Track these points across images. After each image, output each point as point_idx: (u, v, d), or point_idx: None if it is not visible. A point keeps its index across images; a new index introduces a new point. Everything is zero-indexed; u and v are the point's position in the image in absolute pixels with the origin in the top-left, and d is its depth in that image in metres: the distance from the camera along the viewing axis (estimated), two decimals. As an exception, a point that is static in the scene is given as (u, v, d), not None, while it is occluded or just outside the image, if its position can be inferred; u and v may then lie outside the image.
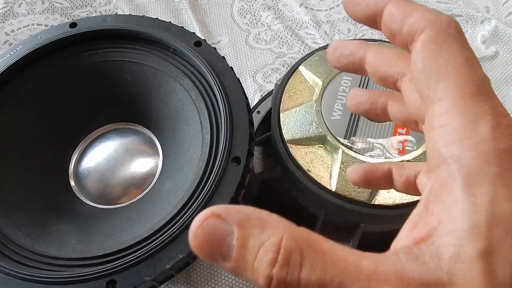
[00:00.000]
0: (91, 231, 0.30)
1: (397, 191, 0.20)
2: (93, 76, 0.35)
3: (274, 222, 0.11)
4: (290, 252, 0.11)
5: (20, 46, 0.34)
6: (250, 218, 0.11)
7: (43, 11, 0.57)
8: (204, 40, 0.34)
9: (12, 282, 0.25)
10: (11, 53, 0.34)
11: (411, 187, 0.19)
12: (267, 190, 0.36)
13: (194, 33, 0.35)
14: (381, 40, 0.35)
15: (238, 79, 0.32)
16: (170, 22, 0.36)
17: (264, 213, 0.11)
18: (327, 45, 0.36)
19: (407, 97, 0.15)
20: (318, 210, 0.31)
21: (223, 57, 0.33)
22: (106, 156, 0.36)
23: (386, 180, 0.20)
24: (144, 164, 0.36)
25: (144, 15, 0.36)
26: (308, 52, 0.53)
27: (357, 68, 0.17)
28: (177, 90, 0.34)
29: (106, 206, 0.34)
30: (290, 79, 0.33)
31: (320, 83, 0.32)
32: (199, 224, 0.11)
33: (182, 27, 0.35)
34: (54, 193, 0.33)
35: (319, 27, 0.55)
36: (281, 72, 0.52)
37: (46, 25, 0.56)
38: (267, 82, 0.51)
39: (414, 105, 0.15)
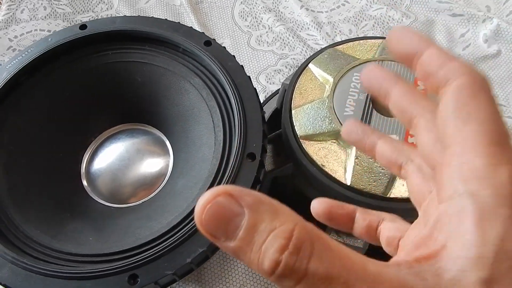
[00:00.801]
0: (107, 229, 0.31)
1: (355, 234, 0.21)
2: (103, 78, 0.37)
3: (286, 212, 0.12)
4: (301, 242, 0.11)
5: (31, 49, 0.36)
6: (263, 203, 0.12)
7: (45, 17, 0.59)
8: (214, 39, 0.36)
9: (34, 278, 0.25)
10: (22, 56, 0.35)
11: (371, 233, 0.20)
12: (277, 187, 0.38)
13: (203, 33, 0.36)
14: (383, 37, 0.37)
15: (249, 77, 0.34)
16: (179, 22, 0.37)
17: (276, 202, 0.12)
18: (335, 43, 0.37)
19: (421, 135, 0.17)
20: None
21: (233, 56, 0.35)
22: (117, 157, 0.37)
23: (347, 220, 0.21)
24: (154, 164, 0.37)
25: (152, 16, 0.38)
26: (310, 53, 0.55)
27: (380, 94, 0.19)
28: (187, 89, 0.35)
29: (119, 205, 0.35)
30: (300, 77, 0.35)
31: (331, 80, 0.34)
32: (210, 199, 0.11)
33: (191, 27, 0.37)
34: (67, 193, 0.34)
35: (321, 28, 0.56)
36: (284, 73, 0.53)
37: (49, 31, 0.57)
38: (270, 83, 0.53)
39: (427, 143, 0.16)
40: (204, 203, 0.11)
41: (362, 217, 0.20)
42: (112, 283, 0.25)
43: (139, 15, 0.38)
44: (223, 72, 0.33)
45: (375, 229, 0.20)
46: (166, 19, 0.37)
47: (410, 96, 0.18)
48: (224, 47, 0.35)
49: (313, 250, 0.11)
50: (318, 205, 0.21)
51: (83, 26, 0.37)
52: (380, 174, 0.29)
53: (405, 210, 0.30)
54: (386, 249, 0.19)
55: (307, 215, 0.39)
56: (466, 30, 0.55)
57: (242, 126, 0.30)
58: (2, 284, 0.26)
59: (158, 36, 0.36)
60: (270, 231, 0.11)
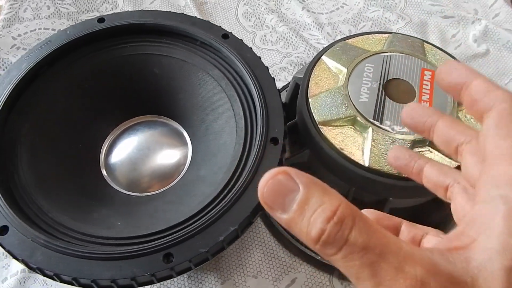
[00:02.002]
0: (135, 215, 0.31)
1: None
2: (121, 70, 0.37)
3: (333, 192, 0.13)
4: (344, 216, 0.13)
5: (49, 41, 0.36)
6: (315, 183, 0.13)
7: (49, 16, 0.59)
8: (231, 33, 0.37)
9: (69, 260, 0.25)
10: (40, 48, 0.35)
11: (415, 245, 0.21)
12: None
13: (220, 26, 0.37)
14: (390, 32, 0.39)
15: (267, 67, 0.35)
16: (195, 16, 0.38)
17: (325, 184, 0.14)
18: (345, 37, 0.39)
19: (466, 159, 0.19)
20: (349, 188, 0.33)
21: (251, 48, 0.36)
22: (135, 147, 0.37)
23: (393, 231, 0.22)
24: (172, 154, 0.37)
25: (170, 11, 0.38)
26: (313, 51, 0.56)
27: (424, 130, 0.21)
28: (205, 80, 0.36)
29: (140, 193, 0.35)
30: (315, 68, 0.36)
31: (345, 70, 0.35)
32: (271, 176, 0.13)
33: (208, 21, 0.38)
34: (90, 183, 0.34)
35: (322, 28, 0.58)
36: (289, 71, 0.55)
37: (53, 29, 0.57)
38: (276, 80, 0.53)
39: (470, 165, 0.18)
40: (266, 179, 0.13)
41: (408, 230, 0.21)
42: (148, 262, 0.25)
43: (156, 9, 0.38)
44: (242, 62, 0.34)
45: (418, 242, 0.21)
46: (183, 13, 0.38)
47: (455, 126, 0.20)
48: (241, 40, 0.36)
49: (354, 224, 0.13)
50: (366, 215, 0.22)
51: (101, 20, 0.37)
52: (397, 156, 0.31)
53: (418, 188, 0.31)
54: (455, 218, 0.20)
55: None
56: (457, 31, 0.58)
57: (264, 112, 0.31)
58: (36, 268, 0.26)
59: (176, 29, 0.37)
60: (319, 205, 0.13)
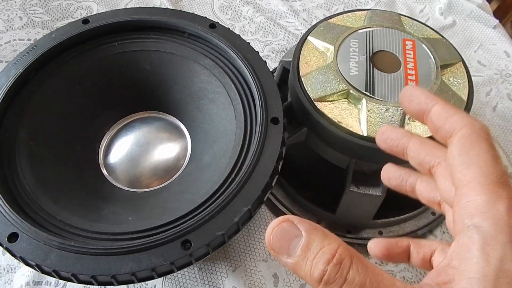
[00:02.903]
0: (144, 209, 0.30)
1: (415, 265, 0.22)
2: (111, 69, 0.35)
3: (333, 236, 0.15)
4: (343, 257, 0.14)
5: (35, 46, 0.34)
6: (316, 228, 0.15)
7: (22, 26, 0.56)
8: (217, 22, 0.36)
9: (86, 259, 0.24)
10: (27, 53, 0.33)
11: (427, 264, 0.21)
12: (290, 156, 0.38)
13: (205, 17, 0.36)
14: (368, 9, 0.39)
15: (258, 51, 0.34)
16: (180, 10, 0.37)
17: (325, 229, 0.15)
18: (327, 17, 0.39)
19: (439, 181, 0.19)
20: (348, 160, 0.33)
21: (239, 34, 0.35)
22: (133, 145, 0.36)
23: (404, 255, 0.22)
24: (171, 148, 0.36)
25: (153, 6, 0.37)
26: (293, 38, 0.56)
27: (399, 152, 0.21)
28: (198, 71, 0.35)
29: (145, 189, 0.34)
30: (302, 49, 0.36)
31: (331, 48, 0.35)
32: (276, 225, 0.15)
33: (193, 13, 0.37)
34: (92, 184, 0.32)
35: (297, 15, 0.58)
36: (271, 58, 0.54)
37: (29, 39, 0.54)
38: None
39: (444, 188, 0.18)
40: (272, 227, 0.15)
41: (416, 251, 0.22)
42: (167, 251, 0.24)
43: (140, 6, 0.37)
44: (233, 49, 0.33)
45: (428, 260, 0.21)
46: (167, 8, 0.37)
47: (424, 148, 0.20)
48: (228, 28, 0.36)
49: (352, 264, 0.14)
50: (375, 246, 0.22)
51: (85, 21, 0.35)
52: (391, 122, 0.31)
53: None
54: (450, 229, 0.20)
55: (322, 174, 0.40)
56: (424, 6, 0.59)
57: (261, 94, 0.31)
58: (52, 271, 0.24)
59: (163, 23, 0.35)
60: (320, 249, 0.14)
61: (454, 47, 0.36)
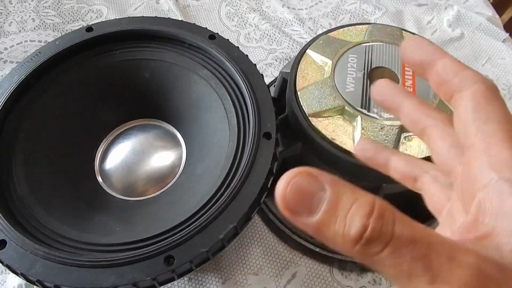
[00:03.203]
0: (133, 219, 0.30)
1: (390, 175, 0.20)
2: (111, 76, 0.35)
3: (362, 190, 0.12)
4: (384, 209, 0.11)
5: (39, 53, 0.34)
6: (341, 181, 0.12)
7: (34, 28, 0.56)
8: (217, 33, 0.35)
9: (70, 270, 0.24)
10: (31, 60, 0.33)
11: (408, 181, 0.20)
12: (285, 169, 0.37)
13: (206, 28, 0.36)
14: (369, 23, 0.38)
15: (255, 64, 0.33)
16: (182, 20, 0.36)
17: (350, 183, 0.12)
18: (327, 30, 0.38)
19: (436, 143, 0.17)
20: (342, 177, 0.32)
21: (237, 46, 0.34)
22: (129, 152, 0.36)
23: (383, 162, 0.20)
24: (167, 156, 0.36)
25: (156, 16, 0.37)
26: (297, 46, 0.55)
27: (392, 107, 0.19)
28: (195, 81, 0.35)
29: (137, 198, 0.33)
30: (300, 62, 0.35)
31: (329, 62, 0.34)
32: (291, 178, 0.11)
33: (194, 24, 0.36)
34: (86, 191, 0.32)
35: (303, 24, 0.57)
36: (275, 66, 0.53)
37: (39, 41, 0.55)
38: (264, 76, 0.52)
39: (442, 150, 0.17)
40: (286, 181, 0.11)
41: (404, 163, 0.20)
42: (149, 266, 0.24)
43: (143, 16, 0.37)
44: (230, 61, 0.33)
45: (413, 179, 0.19)
46: (169, 17, 0.36)
47: (421, 108, 0.18)
48: (228, 40, 0.35)
49: (396, 216, 0.11)
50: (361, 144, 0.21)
51: (89, 29, 0.35)
52: (385, 141, 0.30)
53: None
54: (431, 208, 0.19)
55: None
56: (432, 18, 0.57)
57: (255, 108, 0.30)
58: (36, 280, 0.24)
59: (164, 33, 0.35)
60: (353, 202, 0.11)
61: (456, 65, 0.35)
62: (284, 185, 0.11)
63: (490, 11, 0.57)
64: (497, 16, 0.58)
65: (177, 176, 0.34)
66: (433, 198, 0.18)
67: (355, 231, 0.11)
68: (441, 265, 0.11)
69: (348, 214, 0.11)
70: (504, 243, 0.12)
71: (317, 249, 0.36)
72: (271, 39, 0.55)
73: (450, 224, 0.17)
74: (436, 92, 0.16)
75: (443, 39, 0.55)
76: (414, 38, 0.16)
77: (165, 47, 0.35)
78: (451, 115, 0.16)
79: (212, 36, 0.35)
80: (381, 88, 0.19)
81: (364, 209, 0.11)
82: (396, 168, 0.20)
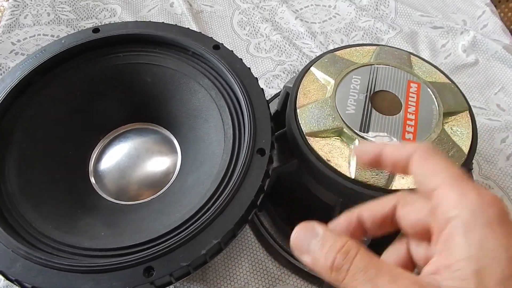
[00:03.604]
0: (120, 224, 0.30)
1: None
2: (113, 78, 0.36)
3: (344, 235, 0.17)
4: (349, 248, 0.16)
5: (44, 50, 0.34)
6: (330, 229, 0.17)
7: (49, 22, 0.57)
8: (222, 44, 0.35)
9: (49, 272, 0.24)
10: (36, 56, 0.34)
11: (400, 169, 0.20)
12: (281, 184, 0.37)
13: (211, 37, 0.36)
14: (377, 44, 0.37)
15: (256, 78, 0.33)
16: (188, 28, 0.37)
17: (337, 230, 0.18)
18: (333, 49, 0.37)
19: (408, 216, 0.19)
20: (335, 199, 0.32)
21: (241, 59, 0.34)
22: (125, 155, 0.36)
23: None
24: (162, 162, 0.36)
25: (163, 22, 0.37)
26: (306, 59, 0.55)
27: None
28: (196, 90, 0.35)
29: (128, 202, 0.33)
30: (303, 79, 0.35)
31: (332, 81, 0.33)
32: (299, 229, 0.17)
33: (200, 32, 0.36)
34: (77, 191, 0.32)
35: (314, 37, 0.57)
36: (282, 78, 0.53)
37: (52, 36, 0.56)
38: (269, 88, 0.52)
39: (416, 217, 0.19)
40: (296, 230, 0.18)
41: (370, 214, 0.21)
42: (128, 276, 0.24)
43: (150, 20, 0.37)
44: (232, 73, 0.33)
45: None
46: (176, 24, 0.37)
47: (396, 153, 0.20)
48: (232, 51, 0.35)
49: (357, 253, 0.16)
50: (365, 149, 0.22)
51: (96, 30, 0.36)
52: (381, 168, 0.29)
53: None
54: (410, 232, 0.19)
55: (312, 208, 0.39)
56: (447, 41, 0.56)
57: (251, 123, 0.30)
58: (14, 280, 0.24)
59: (169, 40, 0.35)
60: (332, 243, 0.16)
61: (463, 94, 0.34)
62: (294, 233, 0.17)
63: (508, 39, 0.56)
64: (514, 44, 0.56)
65: (170, 183, 0.34)
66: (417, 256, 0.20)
67: (328, 263, 0.16)
68: (384, 285, 0.15)
69: (327, 252, 0.16)
70: (455, 271, 0.15)
71: (307, 269, 0.35)
72: (281, 50, 0.55)
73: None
74: (394, 173, 0.19)
75: (456, 64, 0.54)
76: (360, 144, 0.22)
77: (169, 53, 0.35)
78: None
79: (217, 46, 0.35)
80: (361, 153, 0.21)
81: (336, 247, 0.16)
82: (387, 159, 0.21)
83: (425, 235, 0.18)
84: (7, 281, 0.35)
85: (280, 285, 0.36)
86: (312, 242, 0.17)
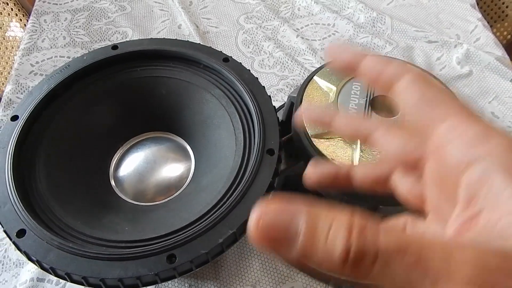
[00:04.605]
0: (141, 221, 0.32)
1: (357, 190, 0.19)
2: (131, 91, 0.39)
3: (335, 207, 0.11)
4: (364, 224, 0.10)
5: (68, 65, 0.38)
6: (311, 201, 0.11)
7: (64, 45, 0.62)
8: (231, 57, 0.39)
9: (80, 260, 0.27)
10: (60, 71, 0.38)
11: (380, 186, 0.18)
12: (289, 187, 0.40)
13: (221, 51, 0.40)
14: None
15: (264, 86, 0.37)
16: (199, 43, 0.41)
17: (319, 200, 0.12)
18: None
19: (388, 143, 0.17)
20: (340, 197, 0.35)
21: (248, 69, 0.38)
22: (143, 161, 0.39)
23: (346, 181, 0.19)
24: (177, 168, 0.39)
25: (176, 38, 0.41)
26: (308, 74, 0.59)
27: (326, 124, 0.20)
28: (208, 99, 0.38)
29: (146, 203, 0.36)
30: (307, 87, 0.38)
31: (334, 88, 0.37)
32: (262, 213, 0.11)
33: (210, 47, 0.40)
34: (100, 193, 0.36)
35: (315, 53, 0.61)
36: (285, 92, 0.57)
37: (68, 57, 0.60)
38: (274, 100, 0.55)
39: (398, 146, 0.17)
40: (256, 217, 0.11)
41: (363, 172, 0.19)
42: (153, 262, 0.27)
43: (164, 37, 0.41)
44: (241, 82, 0.36)
45: (383, 182, 0.18)
46: (188, 40, 0.41)
47: (357, 119, 0.19)
48: (240, 63, 0.39)
49: (378, 228, 0.10)
50: (312, 170, 0.20)
51: (115, 47, 0.40)
52: (383, 165, 0.32)
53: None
54: (410, 205, 0.17)
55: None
56: (441, 54, 0.60)
57: (261, 126, 0.33)
58: (49, 267, 0.27)
59: (182, 54, 0.39)
60: (331, 222, 0.11)
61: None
62: (256, 220, 0.11)
63: (500, 51, 0.60)
64: (506, 56, 0.61)
65: (185, 185, 0.37)
66: (409, 194, 0.17)
67: (339, 255, 0.10)
68: (438, 267, 0.10)
69: (328, 237, 0.10)
70: (506, 226, 0.11)
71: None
72: (284, 66, 0.60)
73: (438, 217, 0.15)
74: (371, 86, 0.17)
75: (451, 75, 0.58)
76: (336, 43, 0.17)
77: (182, 66, 0.39)
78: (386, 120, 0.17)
79: (226, 59, 0.39)
80: (308, 111, 0.20)
81: (343, 229, 0.10)
82: (340, 127, 0.19)
83: (413, 167, 0.16)
84: (35, 273, 0.38)
85: (289, 282, 0.39)
86: (292, 227, 0.11)
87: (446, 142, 0.13)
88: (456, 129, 0.13)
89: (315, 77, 0.39)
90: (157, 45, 0.40)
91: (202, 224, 0.28)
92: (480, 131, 0.13)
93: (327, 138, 0.34)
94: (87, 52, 0.62)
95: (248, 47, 0.63)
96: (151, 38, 0.41)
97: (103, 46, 0.63)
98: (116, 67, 0.39)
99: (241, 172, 0.32)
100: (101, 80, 0.39)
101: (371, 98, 0.36)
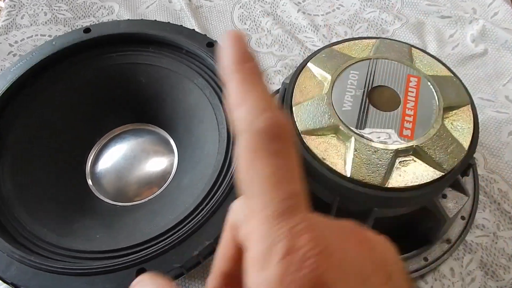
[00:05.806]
0: (116, 226, 0.31)
1: None
2: (107, 79, 0.36)
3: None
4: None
5: (35, 52, 0.35)
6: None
7: (46, 22, 0.58)
8: (216, 41, 0.36)
9: (43, 276, 0.25)
10: (27, 59, 0.35)
11: None
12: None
13: (205, 35, 0.36)
14: (378, 37, 0.37)
15: (251, 76, 0.34)
16: (181, 25, 0.37)
17: None
18: (331, 43, 0.37)
19: None
20: (333, 197, 0.32)
21: (235, 56, 0.35)
22: (122, 156, 0.37)
23: None
24: (159, 163, 0.37)
25: (156, 20, 0.38)
26: (308, 54, 0.55)
27: None
28: (191, 89, 0.35)
29: (125, 203, 0.34)
30: (300, 75, 0.35)
31: (329, 77, 0.34)
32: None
33: (194, 30, 0.37)
34: (74, 192, 0.33)
35: (317, 30, 0.57)
36: (283, 74, 0.53)
37: (50, 36, 0.57)
38: (270, 84, 0.52)
39: None
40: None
41: None
42: (121, 278, 0.25)
43: (142, 19, 0.38)
44: (225, 71, 0.33)
45: None
46: (169, 22, 0.37)
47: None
48: (226, 47, 0.35)
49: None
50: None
51: (87, 30, 0.36)
52: (378, 165, 0.29)
53: (402, 199, 0.30)
54: None
55: (311, 207, 0.39)
56: (454, 31, 0.55)
57: (245, 123, 0.30)
58: (10, 283, 0.25)
59: (162, 39, 0.36)
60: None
61: (465, 88, 0.34)
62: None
63: (520, 27, 0.55)
64: (527, 32, 0.55)
65: (167, 183, 0.35)
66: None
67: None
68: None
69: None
70: None
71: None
72: (283, 45, 0.56)
73: None
74: None
75: (464, 55, 0.53)
76: (234, 34, 0.13)
77: (163, 52, 0.36)
78: None
79: (210, 44, 0.35)
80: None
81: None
82: None
83: None
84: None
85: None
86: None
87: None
88: (249, 240, 0.11)
89: (308, 64, 0.35)
90: (135, 27, 0.37)
91: (176, 234, 0.26)
92: (265, 248, 0.10)
93: (319, 135, 0.31)
94: (70, 30, 0.59)
95: (245, 23, 0.58)
96: (129, 20, 0.38)
97: (87, 23, 0.60)
98: (89, 53, 0.36)
99: (223, 174, 0.30)
100: (73, 68, 0.36)
101: (369, 89, 0.33)
